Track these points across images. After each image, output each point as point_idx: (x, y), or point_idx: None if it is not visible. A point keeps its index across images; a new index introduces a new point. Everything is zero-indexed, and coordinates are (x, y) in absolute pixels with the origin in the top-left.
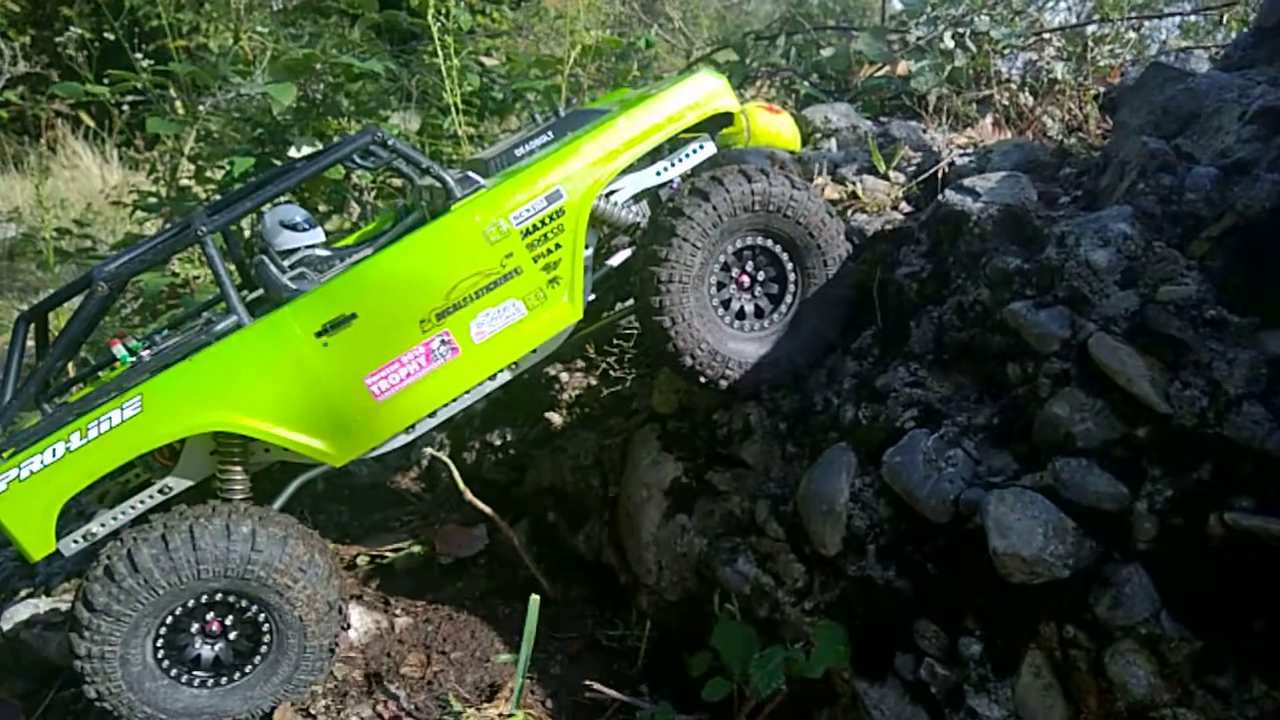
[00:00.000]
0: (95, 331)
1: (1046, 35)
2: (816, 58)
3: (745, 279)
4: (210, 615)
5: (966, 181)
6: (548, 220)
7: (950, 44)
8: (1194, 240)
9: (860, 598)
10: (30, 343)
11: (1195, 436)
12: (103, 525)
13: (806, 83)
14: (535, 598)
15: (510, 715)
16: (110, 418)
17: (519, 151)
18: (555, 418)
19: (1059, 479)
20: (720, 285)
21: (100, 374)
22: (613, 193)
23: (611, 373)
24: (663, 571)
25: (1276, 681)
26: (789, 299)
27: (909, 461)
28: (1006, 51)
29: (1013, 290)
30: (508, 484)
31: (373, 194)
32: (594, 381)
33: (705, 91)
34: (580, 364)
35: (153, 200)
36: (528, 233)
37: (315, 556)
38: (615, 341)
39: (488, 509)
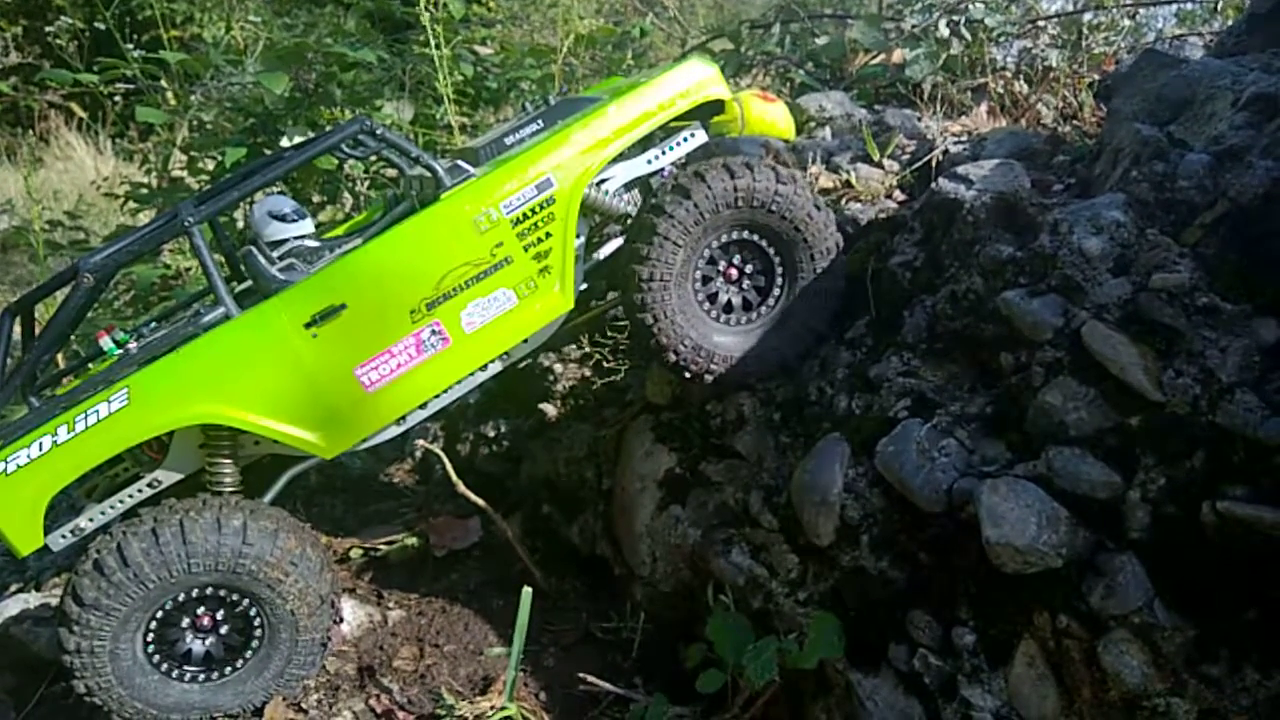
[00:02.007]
0: (85, 323)
1: (1042, 23)
2: (812, 46)
3: (732, 271)
4: (201, 609)
5: (960, 169)
6: (538, 209)
7: (945, 32)
8: (1187, 227)
9: (854, 588)
10: (17, 335)
11: (1188, 425)
12: (91, 519)
13: (802, 71)
14: (528, 590)
15: (503, 708)
16: (97, 411)
17: (509, 140)
18: (549, 409)
19: (1052, 468)
20: (706, 279)
21: (89, 366)
22: (604, 181)
23: (605, 364)
24: (657, 563)
25: (1269, 670)
26: (776, 292)
27: (902, 451)
28: (1002, 39)
29: (1006, 279)
30: (502, 476)
31: (366, 185)
32: (588, 373)
33: (696, 79)
34: (574, 355)
35: (145, 192)
36: (518, 221)
37: (307, 550)
38: (609, 333)
39: (481, 501)
